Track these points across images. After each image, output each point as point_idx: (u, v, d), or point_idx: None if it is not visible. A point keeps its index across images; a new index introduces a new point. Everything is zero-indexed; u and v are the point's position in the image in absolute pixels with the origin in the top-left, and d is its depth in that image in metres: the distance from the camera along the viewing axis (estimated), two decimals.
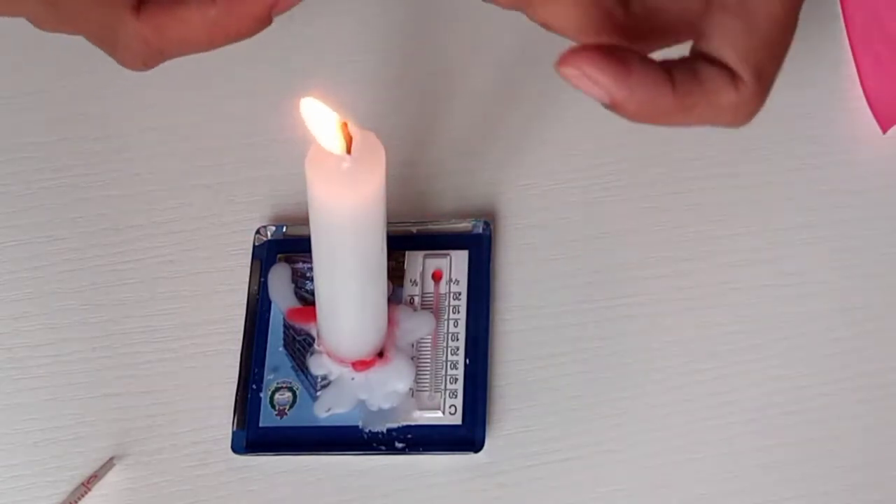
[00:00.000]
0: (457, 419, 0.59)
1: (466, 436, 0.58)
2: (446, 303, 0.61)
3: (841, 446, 0.58)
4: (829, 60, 0.67)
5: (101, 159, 0.67)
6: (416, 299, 0.61)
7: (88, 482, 0.58)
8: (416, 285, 0.62)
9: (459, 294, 0.61)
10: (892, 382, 0.60)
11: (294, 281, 0.62)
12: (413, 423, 0.58)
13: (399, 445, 0.58)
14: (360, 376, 0.59)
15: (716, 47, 0.52)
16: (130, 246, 0.64)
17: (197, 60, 0.61)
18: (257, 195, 0.65)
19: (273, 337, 0.61)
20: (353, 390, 0.59)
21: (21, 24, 0.69)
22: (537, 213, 0.64)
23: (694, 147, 0.65)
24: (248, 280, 0.63)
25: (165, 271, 0.63)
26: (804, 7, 0.52)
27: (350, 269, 0.55)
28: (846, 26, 0.66)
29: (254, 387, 0.60)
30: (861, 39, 0.66)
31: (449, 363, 0.60)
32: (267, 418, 0.59)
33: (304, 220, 0.55)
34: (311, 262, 0.57)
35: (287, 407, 0.59)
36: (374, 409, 0.59)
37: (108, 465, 0.59)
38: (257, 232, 0.64)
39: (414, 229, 0.63)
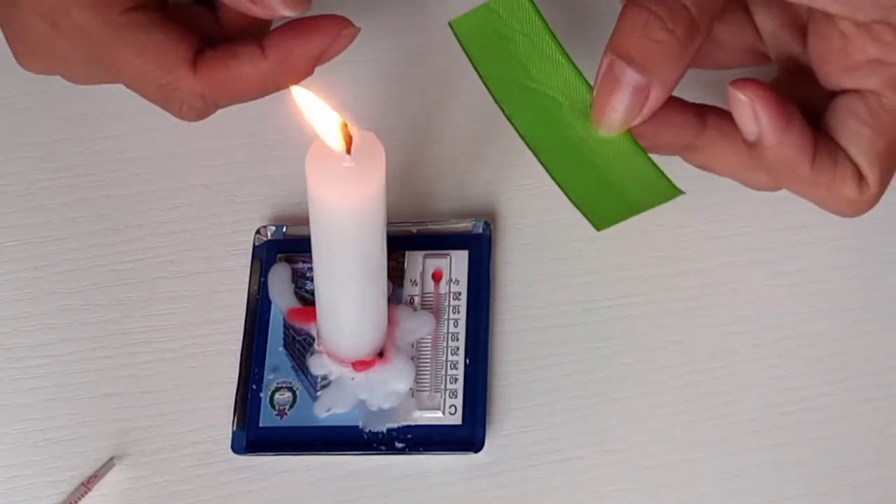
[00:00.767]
0: (457, 419, 0.59)
1: (466, 436, 0.58)
2: (446, 303, 0.61)
3: (841, 446, 0.58)
4: None
5: (101, 159, 0.67)
6: (416, 299, 0.61)
7: (88, 482, 0.58)
8: (416, 285, 0.62)
9: (459, 294, 0.61)
10: (892, 382, 0.60)
11: (294, 281, 0.62)
12: (413, 423, 0.58)
13: (399, 445, 0.58)
14: (360, 376, 0.59)
15: (845, 147, 0.54)
16: (130, 246, 0.64)
17: None
18: (257, 195, 0.65)
19: (273, 337, 0.61)
20: (353, 390, 0.59)
21: None
22: (537, 213, 0.64)
23: None
24: (247, 280, 0.63)
25: (165, 271, 0.63)
26: None
27: (350, 269, 0.55)
28: None
29: (254, 387, 0.60)
30: None
31: (449, 363, 0.60)
32: (267, 418, 0.59)
33: (304, 220, 0.55)
34: (311, 262, 0.57)
35: (287, 407, 0.59)
36: (374, 409, 0.59)
37: (108, 465, 0.59)
38: (257, 232, 0.64)
39: (414, 229, 0.63)
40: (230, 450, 0.59)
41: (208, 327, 0.62)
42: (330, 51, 0.54)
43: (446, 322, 0.61)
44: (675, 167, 0.55)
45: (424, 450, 0.58)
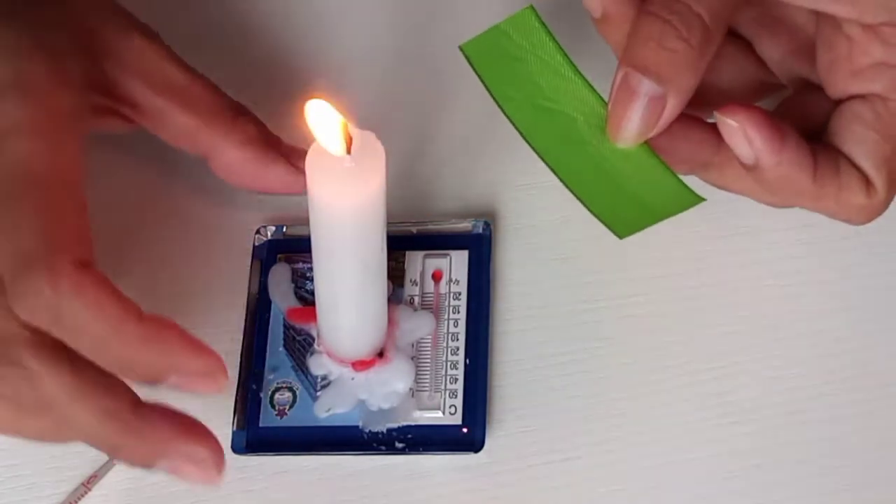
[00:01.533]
0: (457, 419, 0.58)
1: (466, 436, 0.58)
2: (446, 303, 0.61)
3: (841, 446, 0.58)
4: None
5: (101, 159, 0.67)
6: (416, 299, 0.61)
7: (88, 482, 0.58)
8: (416, 285, 0.62)
9: (459, 294, 0.61)
10: (892, 382, 0.60)
11: (294, 281, 0.62)
12: (413, 423, 0.58)
13: (399, 445, 0.58)
14: (360, 376, 0.59)
15: (851, 153, 0.54)
16: (131, 246, 0.64)
17: (198, 62, 0.61)
18: (257, 195, 0.65)
19: (273, 337, 0.61)
20: (353, 390, 0.59)
21: None
22: (537, 213, 0.64)
23: None
24: (247, 280, 0.63)
25: (165, 271, 0.63)
26: None
27: (350, 269, 0.55)
28: None
29: (254, 387, 0.60)
30: None
31: (449, 363, 0.60)
32: (267, 418, 0.59)
33: (304, 220, 0.55)
34: (311, 263, 0.57)
35: (287, 407, 0.59)
36: (374, 409, 0.59)
37: (107, 465, 0.59)
38: (257, 232, 0.64)
39: (414, 229, 0.63)
40: (230, 450, 0.59)
41: (208, 328, 0.62)
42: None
43: (446, 322, 0.61)
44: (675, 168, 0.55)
45: (424, 450, 0.58)
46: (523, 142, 0.55)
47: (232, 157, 0.59)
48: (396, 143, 0.64)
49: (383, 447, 0.58)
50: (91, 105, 0.58)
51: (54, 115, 0.54)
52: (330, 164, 0.52)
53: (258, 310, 0.62)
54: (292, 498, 0.58)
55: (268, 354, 0.61)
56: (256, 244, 0.64)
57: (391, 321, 0.60)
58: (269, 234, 0.64)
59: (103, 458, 0.59)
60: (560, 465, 0.58)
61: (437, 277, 0.62)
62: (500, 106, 0.55)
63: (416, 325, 0.60)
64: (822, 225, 0.57)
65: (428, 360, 0.60)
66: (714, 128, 0.55)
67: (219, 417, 0.59)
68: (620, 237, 0.55)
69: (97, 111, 0.59)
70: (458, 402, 0.59)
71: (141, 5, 0.61)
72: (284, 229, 0.64)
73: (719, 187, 0.57)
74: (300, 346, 0.61)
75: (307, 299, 0.61)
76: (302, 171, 0.53)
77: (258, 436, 0.59)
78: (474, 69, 0.55)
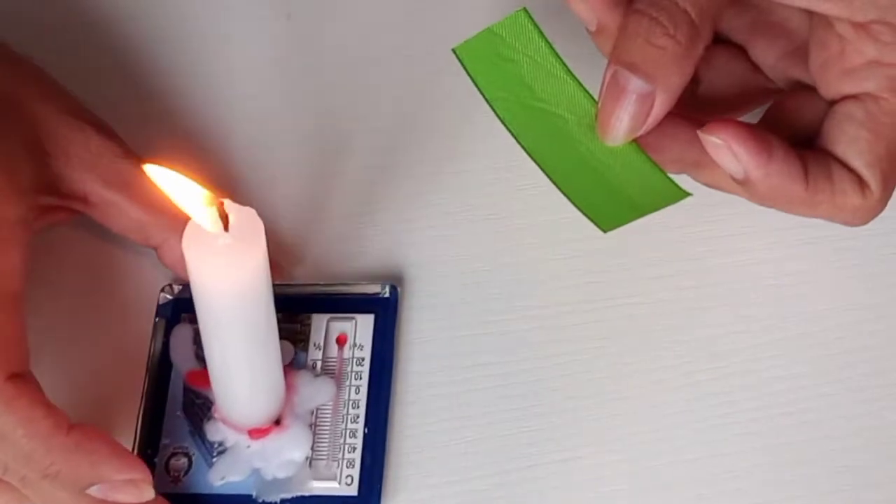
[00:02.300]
0: (352, 490, 0.57)
1: None
2: (349, 368, 0.60)
3: (841, 446, 0.58)
4: None
5: None
6: (319, 364, 0.60)
7: None
8: (320, 349, 0.60)
9: (363, 360, 0.60)
10: (892, 382, 0.60)
11: (196, 342, 0.59)
12: (307, 494, 0.57)
13: None
14: (255, 444, 0.57)
15: (844, 153, 0.54)
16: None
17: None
18: None
19: (172, 399, 0.59)
20: (248, 459, 0.57)
21: (21, 23, 0.69)
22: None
23: None
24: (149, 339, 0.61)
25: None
26: None
27: (237, 343, 0.54)
28: None
29: (149, 451, 0.58)
30: None
31: (348, 431, 0.58)
32: (162, 484, 0.57)
33: None
34: None
35: (182, 473, 0.58)
36: (269, 478, 0.57)
37: None
38: (162, 290, 0.62)
39: (320, 291, 0.61)
40: None
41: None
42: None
43: (348, 388, 0.59)
44: None
45: None
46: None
47: (181, 252, 0.58)
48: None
49: None
50: (39, 207, 0.58)
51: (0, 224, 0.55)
52: (207, 241, 0.50)
53: (159, 371, 0.60)
54: None
55: (166, 417, 0.59)
56: (161, 302, 0.61)
57: (290, 387, 0.58)
58: (174, 292, 0.62)
59: None
60: (560, 465, 0.58)
61: (341, 342, 0.60)
62: (491, 107, 0.55)
63: (316, 392, 0.59)
64: (822, 225, 0.57)
65: (327, 428, 0.58)
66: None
67: None
68: (604, 231, 0.55)
69: (45, 211, 0.59)
70: (355, 471, 0.57)
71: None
72: None
73: (713, 188, 0.57)
74: (199, 410, 0.59)
75: None
76: None
77: None
78: (467, 71, 0.55)
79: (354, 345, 0.60)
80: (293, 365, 0.59)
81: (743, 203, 0.58)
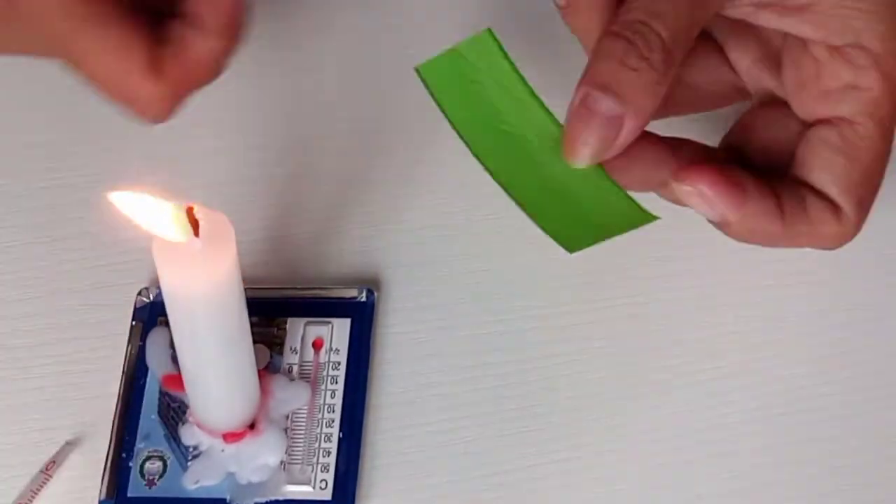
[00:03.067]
0: (326, 494, 0.57)
1: None
2: (325, 372, 0.60)
3: (841, 446, 0.58)
4: None
5: (102, 158, 0.67)
6: (295, 368, 0.60)
7: (48, 469, 0.57)
8: (296, 353, 0.60)
9: (339, 364, 0.60)
10: (892, 383, 0.60)
11: (172, 346, 0.57)
12: (282, 498, 0.57)
13: None
14: (230, 448, 0.57)
15: (818, 180, 0.53)
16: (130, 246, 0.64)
17: None
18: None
19: (148, 403, 0.59)
20: (222, 462, 0.57)
21: None
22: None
23: None
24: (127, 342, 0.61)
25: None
26: None
27: (210, 349, 0.54)
28: None
29: (123, 455, 0.58)
30: None
31: (323, 436, 0.58)
32: (136, 488, 0.57)
33: None
34: None
35: (157, 477, 0.57)
36: (244, 482, 0.57)
37: (65, 449, 0.58)
38: (139, 293, 0.62)
39: (297, 295, 0.61)
40: None
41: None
42: None
43: (324, 393, 0.59)
44: None
45: None
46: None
47: None
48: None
49: None
50: None
51: None
52: (177, 247, 0.50)
53: (135, 374, 0.60)
54: None
55: (141, 421, 0.59)
56: (138, 306, 0.61)
57: (265, 391, 0.58)
58: (151, 295, 0.62)
59: (60, 443, 0.58)
60: (560, 465, 0.58)
61: (317, 346, 0.60)
62: (454, 128, 0.54)
63: (291, 396, 0.59)
64: None
65: (302, 432, 0.58)
66: (670, 146, 0.54)
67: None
68: (570, 252, 0.54)
69: None
70: (330, 476, 0.57)
71: None
72: None
73: (682, 206, 0.56)
74: (174, 413, 0.59)
75: None
76: None
77: None
78: (429, 91, 0.54)
79: (331, 349, 0.60)
80: (269, 369, 0.59)
81: None
